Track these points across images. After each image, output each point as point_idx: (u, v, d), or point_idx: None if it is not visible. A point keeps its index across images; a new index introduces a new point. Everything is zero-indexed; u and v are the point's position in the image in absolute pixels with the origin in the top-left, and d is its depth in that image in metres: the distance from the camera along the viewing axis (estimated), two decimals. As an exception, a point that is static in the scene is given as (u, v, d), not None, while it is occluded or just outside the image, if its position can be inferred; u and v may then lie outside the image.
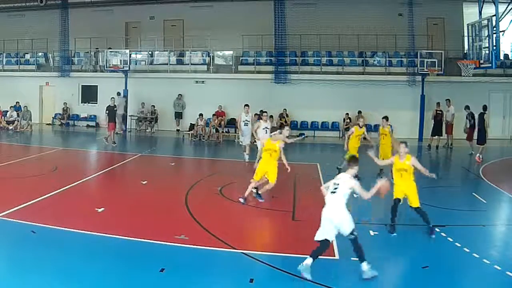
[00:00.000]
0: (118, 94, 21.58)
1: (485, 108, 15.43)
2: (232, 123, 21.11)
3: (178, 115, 22.92)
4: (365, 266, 5.93)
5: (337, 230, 5.97)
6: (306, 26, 21.65)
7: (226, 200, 9.88)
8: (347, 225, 5.92)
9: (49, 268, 6.01)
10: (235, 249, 6.81)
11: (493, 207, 9.88)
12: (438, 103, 18.74)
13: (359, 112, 21.32)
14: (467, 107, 17.40)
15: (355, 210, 7.87)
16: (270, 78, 21.90)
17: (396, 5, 21.52)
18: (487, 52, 14.24)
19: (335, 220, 5.94)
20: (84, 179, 11.41)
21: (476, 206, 9.80)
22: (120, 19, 24.78)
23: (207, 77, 22.79)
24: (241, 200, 9.36)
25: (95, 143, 19.63)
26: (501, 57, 17.72)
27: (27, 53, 25.50)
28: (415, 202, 7.64)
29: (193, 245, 6.98)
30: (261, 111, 13.10)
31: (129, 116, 22.46)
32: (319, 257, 5.93)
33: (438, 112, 18.55)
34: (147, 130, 22.63)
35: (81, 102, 24.94)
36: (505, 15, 14.49)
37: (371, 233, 7.61)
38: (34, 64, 25.02)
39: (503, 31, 14.28)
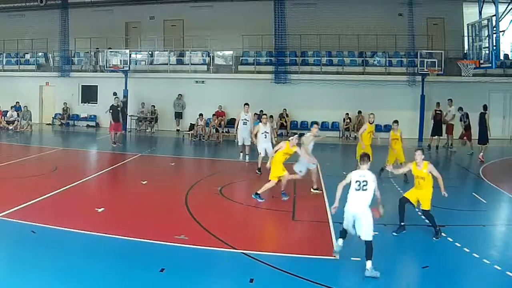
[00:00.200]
0: (115, 94, 21.60)
1: (485, 107, 15.43)
2: (232, 123, 21.06)
3: (178, 115, 22.92)
4: (369, 264, 5.94)
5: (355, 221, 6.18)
6: (306, 26, 21.65)
7: (226, 200, 9.88)
8: (369, 216, 6.14)
9: (49, 268, 6.01)
10: (235, 249, 6.81)
11: (493, 207, 9.88)
12: (438, 103, 18.73)
13: (359, 112, 21.35)
14: (460, 109, 17.55)
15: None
16: (270, 78, 21.90)
17: (396, 5, 21.52)
18: (487, 52, 14.23)
19: (359, 213, 6.13)
20: (84, 179, 11.41)
21: (476, 206, 9.80)
22: (120, 19, 24.78)
23: (207, 77, 22.79)
24: (259, 199, 9.50)
25: (95, 143, 19.64)
26: (501, 57, 17.71)
27: (27, 53, 25.50)
28: (425, 205, 7.54)
29: (193, 245, 6.98)
30: (261, 111, 13.05)
31: (129, 116, 22.45)
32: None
33: (437, 112, 18.52)
34: (147, 130, 22.63)
35: (81, 102, 24.94)
36: (505, 15, 14.48)
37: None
38: (34, 64, 25.02)
39: (503, 31, 14.28)
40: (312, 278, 5.79)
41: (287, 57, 22.19)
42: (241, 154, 14.37)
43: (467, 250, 6.89)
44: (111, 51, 22.51)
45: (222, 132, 20.60)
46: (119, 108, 17.82)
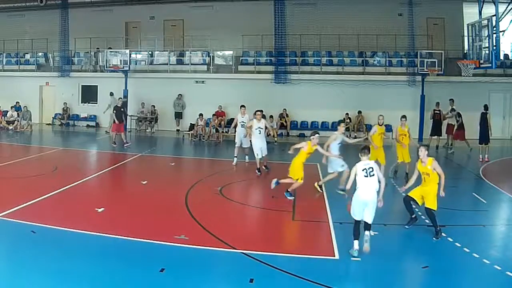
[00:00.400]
0: (111, 94, 21.61)
1: (486, 107, 15.40)
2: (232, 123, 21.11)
3: (178, 115, 22.92)
4: (367, 233, 6.61)
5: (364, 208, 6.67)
6: (306, 26, 21.65)
7: (226, 200, 9.88)
8: (373, 202, 6.68)
9: (49, 268, 6.01)
10: (235, 249, 6.81)
11: (493, 207, 9.86)
12: (437, 103, 18.69)
13: (359, 112, 21.37)
14: (452, 110, 17.65)
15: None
16: (270, 78, 21.89)
17: (396, 5, 21.52)
18: (487, 52, 14.21)
19: (369, 199, 6.63)
20: (84, 179, 11.41)
21: (476, 206, 9.81)
22: (120, 19, 24.78)
23: (207, 77, 22.79)
24: (289, 196, 9.60)
25: (95, 143, 19.64)
26: (501, 57, 17.72)
27: (27, 53, 25.50)
28: (429, 202, 7.55)
29: (193, 245, 6.97)
30: (256, 111, 12.84)
31: (129, 116, 22.46)
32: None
33: (436, 112, 18.48)
34: (147, 130, 22.63)
35: (81, 102, 24.94)
36: (505, 15, 14.48)
37: (371, 233, 7.58)
38: (34, 64, 25.02)
39: (503, 31, 14.28)
40: (312, 278, 5.79)
41: (287, 57, 22.19)
42: (235, 158, 13.94)
43: (467, 250, 6.88)
44: (111, 51, 22.51)
45: (222, 132, 20.59)
46: (122, 109, 17.81)
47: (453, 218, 8.59)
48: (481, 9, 15.01)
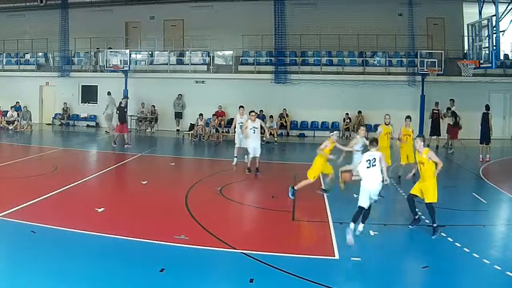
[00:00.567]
0: (109, 93, 21.62)
1: (488, 107, 15.37)
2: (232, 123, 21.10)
3: (178, 115, 22.92)
4: (361, 227, 7.36)
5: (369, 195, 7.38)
6: (306, 26, 21.65)
7: (226, 200, 9.88)
8: (378, 190, 7.52)
9: (49, 268, 6.01)
10: (235, 249, 6.81)
11: (493, 207, 9.86)
12: (436, 103, 18.65)
13: (359, 112, 21.36)
14: (448, 108, 17.69)
15: (355, 210, 7.89)
16: (270, 78, 21.88)
17: (396, 5, 21.52)
18: (487, 52, 14.21)
19: (373, 189, 7.40)
20: (84, 179, 11.41)
21: (476, 206, 9.80)
22: (120, 19, 24.78)
23: (207, 77, 22.78)
24: (291, 195, 9.62)
25: (95, 143, 19.64)
26: (501, 57, 17.69)
27: (27, 53, 25.49)
28: (428, 197, 7.66)
29: (193, 245, 6.98)
30: (251, 111, 12.78)
31: (129, 116, 22.44)
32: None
33: (435, 111, 18.43)
34: (147, 130, 22.63)
35: (81, 102, 24.93)
36: (505, 15, 14.48)
37: (371, 233, 7.61)
38: (34, 64, 25.01)
39: (503, 31, 14.27)
40: (312, 278, 5.79)
41: (287, 57, 22.18)
42: (235, 158, 13.89)
43: (467, 250, 6.88)
44: (111, 51, 22.51)
45: (222, 132, 20.59)
46: (126, 109, 17.79)
47: (453, 218, 8.59)
48: (481, 9, 15.01)
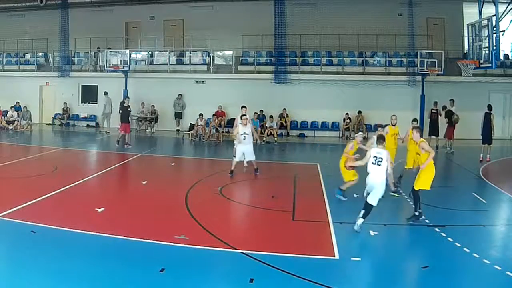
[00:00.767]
0: (105, 93, 21.58)
1: (490, 107, 15.32)
2: (232, 123, 21.08)
3: (178, 115, 22.91)
4: (360, 221, 7.44)
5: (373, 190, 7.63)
6: (306, 26, 21.65)
7: (226, 200, 9.88)
8: (382, 189, 7.70)
9: (49, 268, 6.00)
10: (235, 249, 6.81)
11: (493, 207, 9.86)
12: (435, 103, 18.57)
13: (359, 112, 21.35)
14: (444, 107, 17.72)
15: (355, 210, 7.89)
16: (270, 78, 21.88)
17: (396, 5, 21.52)
18: (487, 52, 14.21)
19: (377, 184, 7.60)
20: (84, 179, 11.41)
21: (476, 206, 9.80)
22: (120, 19, 24.78)
23: (207, 77, 22.78)
24: (341, 197, 9.67)
25: (95, 143, 19.64)
26: (501, 57, 17.70)
27: (27, 53, 25.50)
28: (417, 183, 8.11)
29: (193, 245, 6.97)
30: (242, 115, 12.61)
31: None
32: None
33: (433, 111, 18.38)
34: (147, 130, 22.62)
35: (81, 102, 24.94)
36: (505, 15, 14.47)
37: (371, 233, 7.60)
38: (34, 64, 25.01)
39: (503, 31, 14.26)
40: (312, 278, 5.79)
41: (287, 57, 22.18)
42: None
43: (467, 250, 6.88)
44: (111, 51, 22.50)
45: (222, 132, 20.59)
46: (129, 109, 17.78)
47: (453, 218, 8.59)
48: (481, 9, 15.01)
